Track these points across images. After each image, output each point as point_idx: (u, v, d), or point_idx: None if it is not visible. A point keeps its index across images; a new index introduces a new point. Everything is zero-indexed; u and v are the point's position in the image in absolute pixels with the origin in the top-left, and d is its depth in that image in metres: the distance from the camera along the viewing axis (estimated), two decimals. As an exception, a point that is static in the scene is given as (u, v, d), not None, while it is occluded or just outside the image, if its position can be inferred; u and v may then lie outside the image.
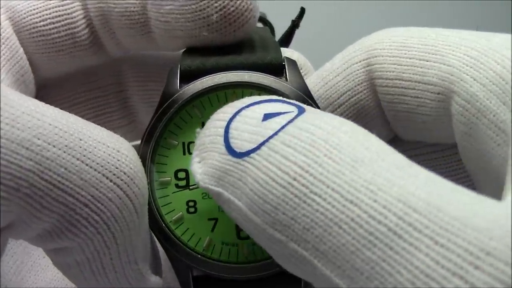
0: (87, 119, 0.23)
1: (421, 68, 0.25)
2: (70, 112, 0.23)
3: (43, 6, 0.29)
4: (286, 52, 0.31)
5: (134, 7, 0.28)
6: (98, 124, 0.23)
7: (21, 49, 0.29)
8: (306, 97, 0.27)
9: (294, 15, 0.40)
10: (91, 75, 0.33)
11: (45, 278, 0.30)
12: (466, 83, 0.23)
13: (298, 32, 0.39)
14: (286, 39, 0.36)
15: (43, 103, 0.22)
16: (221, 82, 0.27)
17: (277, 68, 0.27)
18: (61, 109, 0.23)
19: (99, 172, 0.21)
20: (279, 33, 0.40)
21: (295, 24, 0.35)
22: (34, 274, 0.29)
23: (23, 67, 0.29)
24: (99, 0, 0.29)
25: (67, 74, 0.32)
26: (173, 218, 0.27)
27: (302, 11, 0.37)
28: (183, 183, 0.27)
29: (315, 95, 0.28)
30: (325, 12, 0.99)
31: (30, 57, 0.30)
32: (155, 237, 0.27)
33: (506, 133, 0.21)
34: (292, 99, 0.27)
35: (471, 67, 0.23)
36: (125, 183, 0.22)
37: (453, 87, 0.23)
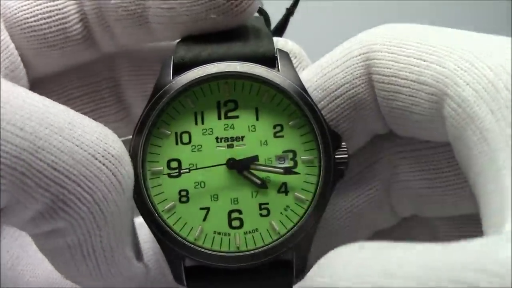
0: (82, 114, 0.24)
1: (418, 67, 0.25)
2: None
3: (34, 2, 0.29)
4: (280, 41, 0.31)
5: None
6: (93, 119, 0.24)
7: (12, 45, 0.29)
8: (298, 87, 0.27)
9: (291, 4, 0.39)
10: (85, 71, 0.33)
11: (42, 272, 0.30)
12: (459, 87, 0.23)
13: (293, 21, 0.39)
14: (281, 28, 0.36)
15: (34, 93, 0.23)
16: (213, 72, 0.27)
17: (269, 60, 0.28)
18: None
19: (89, 153, 0.23)
20: (275, 23, 0.39)
21: (289, 12, 0.35)
22: (31, 268, 0.30)
23: (13, 62, 0.29)
24: None
25: (60, 70, 0.32)
26: (166, 207, 0.27)
27: (297, -1, 0.37)
28: (175, 172, 0.27)
29: (313, 85, 0.28)
30: (323, 3, 0.99)
31: (22, 53, 0.30)
32: (147, 226, 0.27)
33: (487, 142, 0.21)
34: (283, 88, 0.27)
35: (465, 71, 0.23)
36: (113, 164, 0.23)
37: (446, 90, 0.23)
